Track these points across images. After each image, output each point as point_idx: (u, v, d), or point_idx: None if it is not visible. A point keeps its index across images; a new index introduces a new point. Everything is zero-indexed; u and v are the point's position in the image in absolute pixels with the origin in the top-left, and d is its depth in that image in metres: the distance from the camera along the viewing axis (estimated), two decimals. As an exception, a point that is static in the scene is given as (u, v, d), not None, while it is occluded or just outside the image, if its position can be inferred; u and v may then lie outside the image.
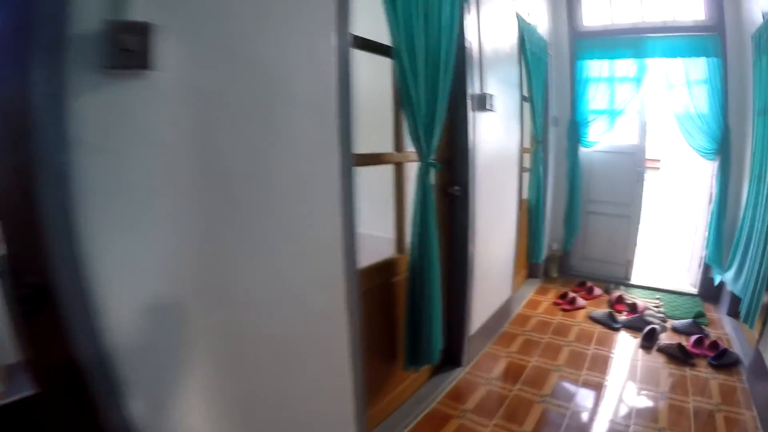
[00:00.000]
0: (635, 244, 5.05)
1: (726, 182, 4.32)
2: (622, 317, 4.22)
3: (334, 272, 1.86)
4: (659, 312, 4.35)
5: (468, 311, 3.15)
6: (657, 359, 3.56)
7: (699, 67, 4.37)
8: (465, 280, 3.06)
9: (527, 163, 4.37)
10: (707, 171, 4.66)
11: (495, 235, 3.58)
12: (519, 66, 3.82)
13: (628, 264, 5.11)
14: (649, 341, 3.76)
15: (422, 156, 2.23)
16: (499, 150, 3.46)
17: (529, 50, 3.89)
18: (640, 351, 3.68)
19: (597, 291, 4.77)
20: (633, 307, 4.34)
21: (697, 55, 4.35)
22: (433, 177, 2.30)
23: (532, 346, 3.70)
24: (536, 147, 4.24)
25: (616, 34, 4.77)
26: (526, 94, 4.08)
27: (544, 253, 4.96)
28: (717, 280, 4.34)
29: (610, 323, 4.07)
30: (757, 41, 3.46)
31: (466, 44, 2.77)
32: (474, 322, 3.32)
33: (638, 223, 5.00)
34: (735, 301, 4.01)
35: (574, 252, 5.30)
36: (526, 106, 4.13)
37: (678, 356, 3.52)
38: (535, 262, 4.65)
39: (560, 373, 3.32)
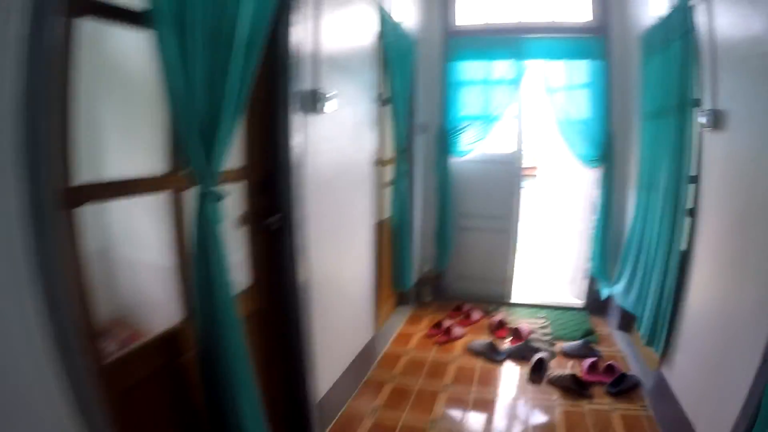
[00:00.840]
0: (514, 259, 4.60)
1: (610, 191, 3.99)
2: (506, 345, 3.67)
3: (43, 380, 1.07)
4: (545, 334, 3.91)
5: (310, 372, 2.34)
6: (549, 394, 3.06)
7: (582, 70, 4.02)
8: (299, 335, 2.24)
9: (390, 176, 3.74)
10: (589, 179, 4.32)
11: (343, 269, 2.81)
12: (376, 64, 3.16)
13: (508, 281, 4.63)
14: (538, 373, 3.24)
15: (201, 179, 1.47)
16: (343, 163, 2.65)
17: (392, 47, 3.27)
18: (530, 386, 3.17)
19: (476, 315, 4.21)
20: (516, 333, 3.81)
21: (580, 58, 4.00)
22: (219, 210, 1.54)
23: (402, 397, 2.98)
24: (399, 157, 3.60)
25: (494, 33, 4.29)
26: (387, 96, 3.46)
27: (414, 277, 4.32)
28: (604, 293, 3.97)
29: (492, 355, 3.51)
30: (648, 41, 3.14)
31: (291, 24, 2.04)
32: (324, 380, 2.53)
33: (516, 236, 4.56)
34: (625, 315, 3.67)
35: (449, 272, 4.72)
36: (387, 111, 3.51)
37: (572, 388, 3.04)
38: (403, 290, 3.96)
39: (436, 430, 2.69)
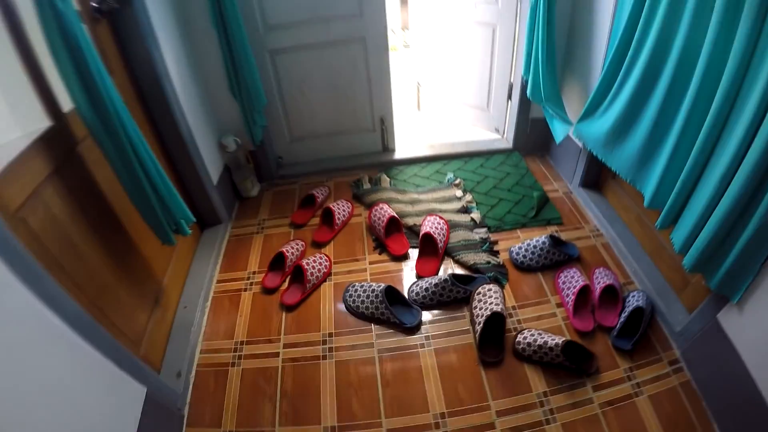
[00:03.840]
0: (389, 87, 2.55)
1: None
2: (413, 283, 1.95)
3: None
4: (473, 224, 2.19)
5: None
6: (526, 391, 1.58)
7: None
8: None
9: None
10: None
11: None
12: None
13: (384, 125, 2.67)
14: (494, 345, 1.69)
15: None
16: None
17: None
18: (484, 374, 1.63)
19: (341, 208, 2.33)
20: (428, 240, 2.06)
21: None
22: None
23: None
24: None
25: None
26: None
27: (203, 192, 2.20)
28: (560, 134, 2.17)
29: (393, 317, 1.79)
30: None
31: None
32: None
33: (385, 45, 2.40)
34: (596, 164, 2.17)
35: (276, 135, 2.64)
36: None
37: (563, 365, 1.60)
38: (173, 240, 1.65)
39: None
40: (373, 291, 1.85)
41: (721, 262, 1.28)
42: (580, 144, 2.19)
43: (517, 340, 1.67)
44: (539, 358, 1.61)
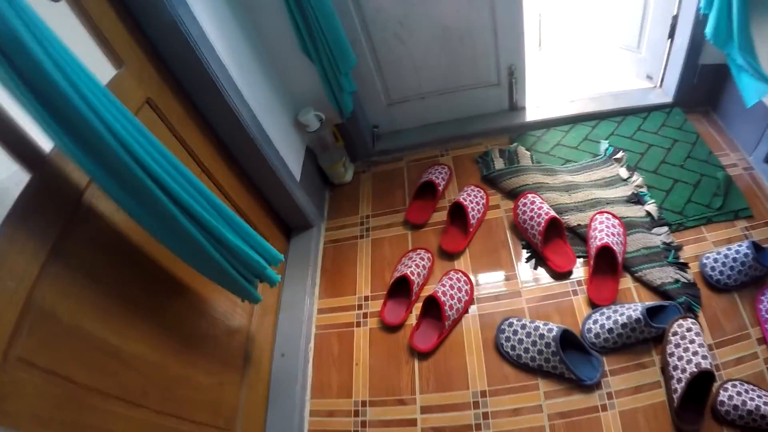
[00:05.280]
0: (521, 25, 1.81)
1: None
2: (591, 318, 1.42)
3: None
4: (650, 220, 1.60)
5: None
6: None
7: None
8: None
9: None
10: None
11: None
12: None
13: (514, 77, 1.97)
14: (691, 409, 1.20)
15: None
16: None
17: None
18: None
19: (475, 203, 1.74)
20: (604, 254, 1.48)
21: None
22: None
23: None
24: None
25: None
26: None
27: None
28: (752, 95, 1.43)
29: (569, 373, 1.29)
30: None
31: None
32: None
33: None
34: None
35: (368, 99, 2.03)
36: None
37: None
38: (257, 294, 1.19)
39: None
40: (541, 337, 1.35)
41: None
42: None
43: (720, 399, 1.19)
44: (745, 423, 1.16)
